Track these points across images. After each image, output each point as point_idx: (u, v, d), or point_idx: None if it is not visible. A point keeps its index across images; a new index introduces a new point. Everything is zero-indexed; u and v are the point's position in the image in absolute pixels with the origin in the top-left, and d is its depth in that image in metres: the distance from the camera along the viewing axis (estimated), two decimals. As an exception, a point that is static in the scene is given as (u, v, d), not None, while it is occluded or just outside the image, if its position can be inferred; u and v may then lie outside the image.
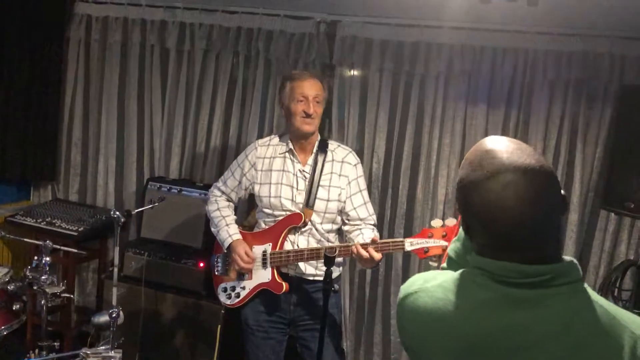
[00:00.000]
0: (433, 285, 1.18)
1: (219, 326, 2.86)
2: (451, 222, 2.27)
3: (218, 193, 2.81)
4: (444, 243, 2.25)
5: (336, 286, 2.34)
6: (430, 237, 2.29)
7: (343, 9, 3.34)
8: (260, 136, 3.60)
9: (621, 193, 2.62)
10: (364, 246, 2.36)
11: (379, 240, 2.36)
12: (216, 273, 2.79)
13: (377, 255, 2.33)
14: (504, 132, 3.28)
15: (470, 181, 1.10)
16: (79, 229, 3.49)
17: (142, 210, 3.22)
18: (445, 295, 1.14)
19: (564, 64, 3.11)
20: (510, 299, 1.06)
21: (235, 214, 2.80)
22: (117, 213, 2.60)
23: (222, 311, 2.83)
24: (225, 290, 2.73)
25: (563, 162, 3.20)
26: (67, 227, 3.51)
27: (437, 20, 3.19)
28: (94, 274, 3.97)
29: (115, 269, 2.65)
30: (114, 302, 2.62)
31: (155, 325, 3.41)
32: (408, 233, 3.42)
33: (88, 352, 2.43)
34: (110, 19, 3.75)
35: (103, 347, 2.47)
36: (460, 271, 1.17)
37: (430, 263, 2.31)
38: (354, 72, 3.50)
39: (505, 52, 3.19)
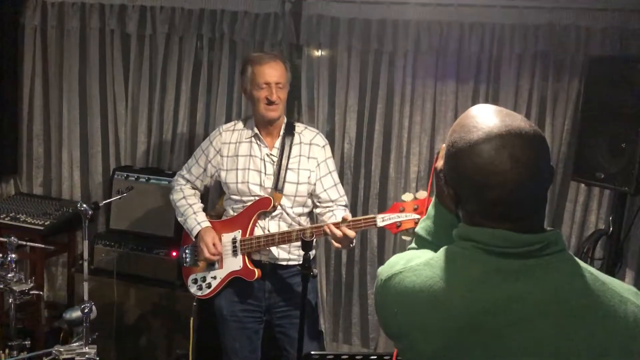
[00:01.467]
0: (418, 263, 1.14)
1: (192, 319, 2.81)
2: (422, 194, 2.25)
3: (183, 181, 2.74)
4: (415, 216, 2.22)
5: (315, 270, 2.32)
6: (402, 211, 2.26)
7: (308, -12, 3.28)
8: (228, 120, 3.52)
9: (590, 164, 2.64)
10: (337, 225, 2.33)
11: (350, 218, 2.34)
12: (184, 265, 2.73)
13: (351, 233, 2.30)
14: (474, 108, 3.28)
15: (463, 145, 1.06)
16: (45, 223, 3.39)
17: (110, 202, 3.14)
18: (434, 273, 1.10)
19: (531, 37, 3.10)
20: (502, 270, 1.04)
21: (201, 202, 2.75)
22: (85, 205, 2.52)
23: (194, 303, 2.77)
24: (195, 281, 2.68)
25: (532, 135, 3.22)
26: (32, 221, 3.40)
27: (403, -4, 3.16)
28: (64, 269, 3.88)
29: (85, 263, 2.58)
30: (86, 297, 2.55)
31: (130, 318, 3.35)
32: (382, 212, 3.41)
33: (61, 349, 2.36)
34: (66, 4, 3.61)
35: (77, 344, 2.41)
36: (445, 247, 1.14)
37: (404, 237, 2.30)
38: (322, 52, 3.44)
39: (472, 27, 3.17)
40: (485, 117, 1.08)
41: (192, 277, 2.69)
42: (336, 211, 2.58)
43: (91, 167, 3.79)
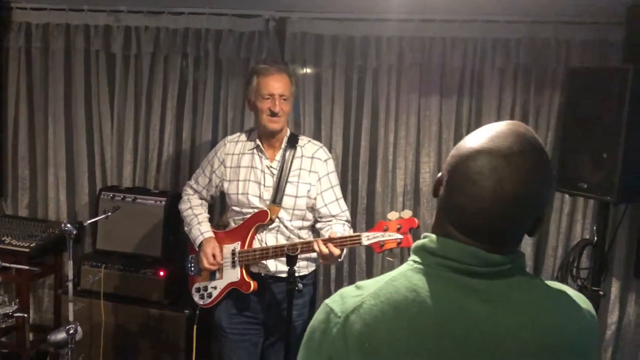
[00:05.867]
0: (378, 288, 1.03)
1: (195, 327, 2.81)
2: (407, 214, 2.24)
3: (190, 191, 2.79)
4: (398, 236, 2.22)
5: (300, 285, 2.31)
6: (386, 230, 2.25)
7: (291, 6, 3.31)
8: (214, 139, 3.54)
9: (574, 175, 2.66)
10: (324, 242, 2.33)
11: (336, 236, 2.33)
12: (190, 273, 2.77)
13: (335, 251, 2.30)
14: (457, 122, 3.31)
15: (456, 156, 1.04)
16: (31, 245, 3.35)
17: (95, 221, 3.12)
18: (400, 295, 1.00)
19: (512, 51, 3.15)
20: (472, 290, 1.00)
21: (208, 213, 2.80)
22: (69, 225, 2.51)
23: (197, 312, 2.79)
24: (198, 290, 2.71)
25: (516, 147, 3.24)
26: (17, 243, 3.37)
27: (385, 13, 3.19)
28: (51, 291, 3.83)
29: (70, 284, 2.55)
30: (71, 318, 2.52)
31: (118, 339, 3.31)
32: (370, 227, 3.41)
33: (46, 372, 2.33)
34: (51, 25, 3.61)
35: (61, 366, 2.37)
36: (403, 267, 1.06)
37: (388, 258, 2.29)
38: (307, 69, 3.47)
39: (455, 42, 3.21)
40: (480, 143, 1.04)
41: (196, 285, 2.73)
42: (335, 226, 2.57)
43: (77, 188, 3.77)
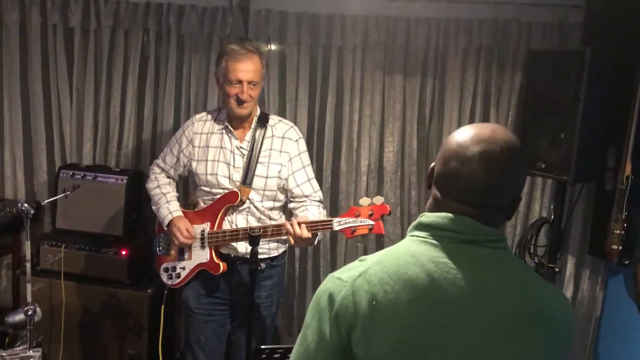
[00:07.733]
0: (381, 256, 1.18)
1: (162, 306, 2.76)
2: (379, 200, 2.26)
3: (158, 170, 2.74)
4: (370, 222, 2.24)
5: (262, 265, 2.31)
6: (358, 216, 2.26)
7: (255, -18, 3.26)
8: (177, 116, 3.49)
9: (533, 154, 2.71)
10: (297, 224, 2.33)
11: (307, 220, 2.34)
12: (158, 253, 2.74)
13: (307, 234, 2.30)
14: (421, 102, 3.34)
15: (452, 143, 1.19)
16: (-13, 225, 3.27)
17: (54, 200, 3.06)
18: (403, 260, 1.14)
19: (475, 32, 3.18)
20: (464, 256, 1.13)
21: (177, 192, 2.77)
22: (26, 205, 2.46)
23: (165, 291, 2.75)
24: (166, 270, 2.69)
25: (478, 127, 3.30)
26: (-28, 223, 3.28)
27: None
28: (9, 271, 3.75)
29: (28, 264, 2.50)
30: (29, 299, 2.48)
31: (79, 319, 3.27)
32: (334, 207, 3.44)
33: (3, 353, 2.30)
34: (4, -3, 3.49)
35: (20, 347, 2.34)
36: (404, 240, 1.20)
37: (358, 244, 2.31)
38: (271, 47, 3.43)
39: (419, 22, 3.22)
40: (470, 129, 1.21)
41: (164, 266, 2.70)
42: (309, 207, 2.57)
43: (35, 166, 3.67)
